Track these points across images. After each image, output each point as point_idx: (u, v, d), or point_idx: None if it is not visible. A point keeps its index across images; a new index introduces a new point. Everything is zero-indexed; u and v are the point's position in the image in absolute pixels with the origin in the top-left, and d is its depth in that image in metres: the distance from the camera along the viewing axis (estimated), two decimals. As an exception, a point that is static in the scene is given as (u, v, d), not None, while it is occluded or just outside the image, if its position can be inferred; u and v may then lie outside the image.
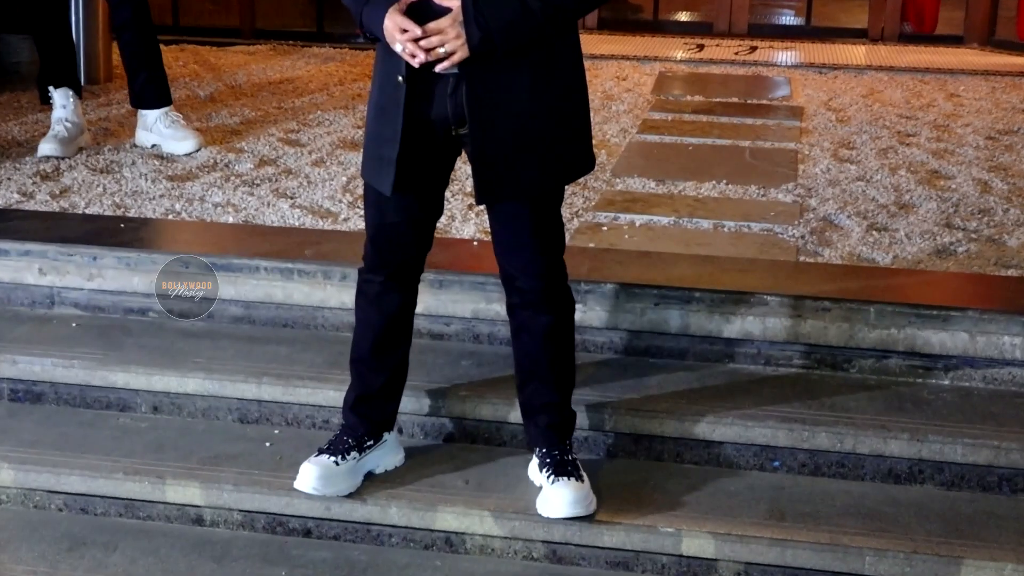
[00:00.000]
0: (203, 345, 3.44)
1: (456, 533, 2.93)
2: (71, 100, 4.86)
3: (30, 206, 4.15)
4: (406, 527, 2.94)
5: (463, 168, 3.86)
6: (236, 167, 4.68)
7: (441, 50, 2.53)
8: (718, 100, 6.14)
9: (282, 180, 4.52)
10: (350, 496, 2.93)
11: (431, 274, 3.32)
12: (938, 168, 4.85)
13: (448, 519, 2.91)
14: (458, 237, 3.89)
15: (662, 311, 3.34)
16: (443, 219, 3.84)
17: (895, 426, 3.04)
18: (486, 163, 2.64)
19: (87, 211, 4.11)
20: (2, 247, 3.67)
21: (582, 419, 3.06)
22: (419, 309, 3.06)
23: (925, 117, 5.78)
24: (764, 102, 6.15)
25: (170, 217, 4.09)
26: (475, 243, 3.80)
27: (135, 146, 4.91)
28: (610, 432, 3.12)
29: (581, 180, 4.18)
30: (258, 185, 4.45)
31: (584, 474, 2.88)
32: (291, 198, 4.30)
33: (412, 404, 3.14)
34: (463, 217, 4.08)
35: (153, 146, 4.89)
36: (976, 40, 7.98)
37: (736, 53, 7.53)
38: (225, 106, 5.68)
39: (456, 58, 2.54)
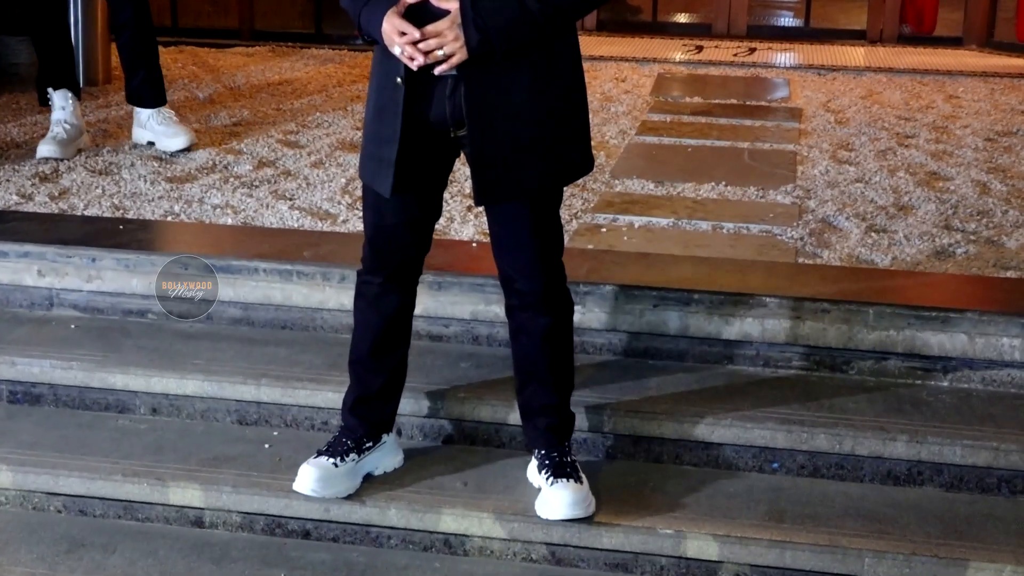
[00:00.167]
0: (202, 347, 3.44)
1: (455, 535, 2.92)
2: (70, 102, 4.87)
3: (29, 208, 4.15)
4: (405, 529, 2.94)
5: (462, 169, 3.86)
6: (235, 169, 4.68)
7: (440, 52, 2.53)
8: (717, 102, 6.14)
9: (281, 182, 4.52)
10: (349, 498, 2.93)
11: (430, 276, 3.32)
12: (937, 170, 4.85)
13: (447, 521, 2.91)
14: (457, 239, 3.89)
15: (661, 313, 3.34)
16: (442, 220, 3.84)
17: (894, 428, 3.04)
18: (485, 164, 2.64)
19: (86, 213, 4.11)
20: (1, 249, 3.66)
21: (581, 421, 3.06)
22: (418, 311, 3.07)
23: (924, 119, 5.78)
24: (763, 103, 6.15)
25: (169, 219, 4.09)
26: (474, 245, 3.80)
27: (135, 146, 4.91)
28: (609, 434, 3.12)
29: (580, 182, 4.18)
30: (257, 187, 4.45)
31: (583, 476, 2.88)
32: (290, 200, 4.30)
33: (411, 406, 3.14)
34: (462, 218, 4.08)
35: (149, 143, 4.91)
36: (975, 41, 7.98)
37: (735, 54, 7.53)
38: (224, 107, 5.68)
39: (455, 60, 2.54)
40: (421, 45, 2.53)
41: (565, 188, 2.91)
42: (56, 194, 4.30)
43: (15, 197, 4.26)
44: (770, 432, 3.06)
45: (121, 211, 4.14)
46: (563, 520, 2.82)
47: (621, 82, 6.59)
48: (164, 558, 2.93)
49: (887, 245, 3.94)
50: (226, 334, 3.52)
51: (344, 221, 4.06)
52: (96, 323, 3.61)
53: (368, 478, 2.97)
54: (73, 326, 3.59)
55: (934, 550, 2.76)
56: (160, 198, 4.28)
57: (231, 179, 4.54)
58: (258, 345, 3.45)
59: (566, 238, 3.11)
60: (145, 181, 4.48)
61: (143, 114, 4.93)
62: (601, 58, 7.23)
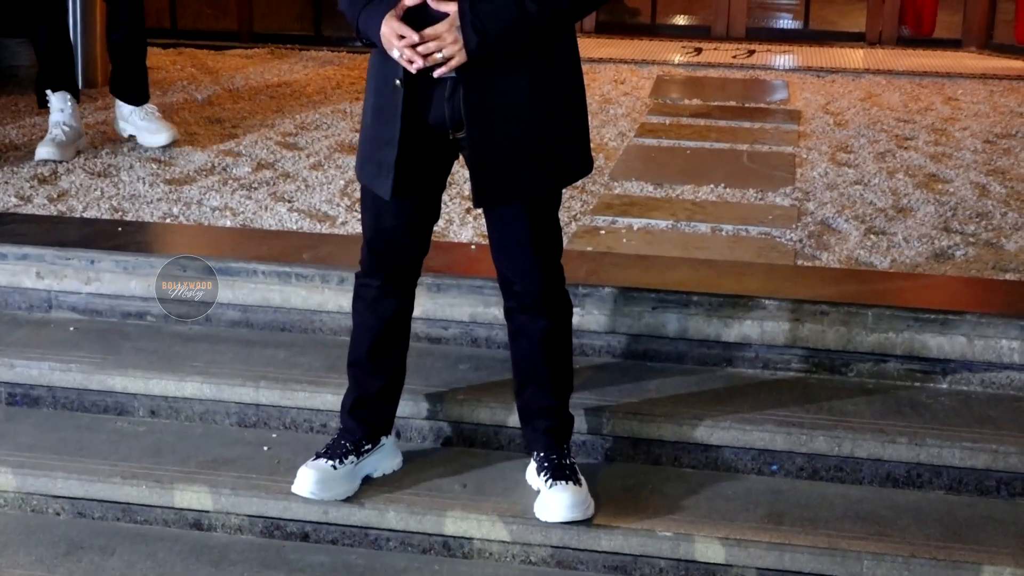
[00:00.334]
0: (201, 349, 3.44)
1: (454, 537, 2.92)
2: (69, 104, 4.87)
3: (28, 210, 4.15)
4: (404, 531, 2.94)
5: (461, 172, 3.86)
6: (234, 171, 4.68)
7: (439, 55, 2.53)
8: (716, 104, 6.14)
9: (280, 184, 4.52)
10: (348, 500, 2.92)
11: (429, 278, 3.32)
12: (936, 172, 4.85)
13: (446, 523, 2.91)
14: (456, 241, 3.89)
15: (660, 315, 3.34)
16: (441, 223, 3.84)
17: (893, 430, 3.04)
18: (484, 166, 2.64)
19: (85, 215, 4.10)
20: (0, 251, 3.66)
21: (580, 423, 3.06)
22: (417, 313, 3.06)
23: (923, 121, 5.78)
24: (762, 106, 6.15)
25: (168, 221, 4.09)
26: (473, 247, 3.80)
27: (133, 148, 4.91)
28: (608, 436, 3.12)
29: (579, 184, 4.19)
30: (256, 189, 4.45)
31: (582, 478, 2.88)
32: (289, 202, 4.30)
33: (410, 408, 3.14)
34: (461, 221, 4.08)
35: (130, 137, 4.95)
36: (974, 43, 7.98)
37: (734, 56, 7.53)
38: (223, 109, 5.68)
39: (454, 63, 2.54)
40: (420, 48, 2.53)
41: (564, 190, 2.91)
42: (55, 196, 4.30)
43: (14, 199, 4.26)
44: (769, 434, 3.06)
45: (120, 213, 4.14)
46: (562, 522, 2.82)
47: (620, 84, 6.59)
48: (163, 560, 2.93)
49: (886, 247, 3.94)
50: (225, 336, 3.52)
51: (343, 223, 4.06)
52: (95, 325, 3.61)
53: (367, 480, 2.97)
54: (72, 328, 3.59)
55: (933, 552, 2.76)
56: (159, 200, 4.28)
57: (230, 181, 4.54)
58: (257, 347, 3.45)
59: (565, 240, 3.11)
60: (144, 183, 4.48)
61: (125, 108, 4.98)
62: (600, 60, 7.23)
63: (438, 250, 3.23)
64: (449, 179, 2.88)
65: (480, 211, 2.85)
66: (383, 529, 2.95)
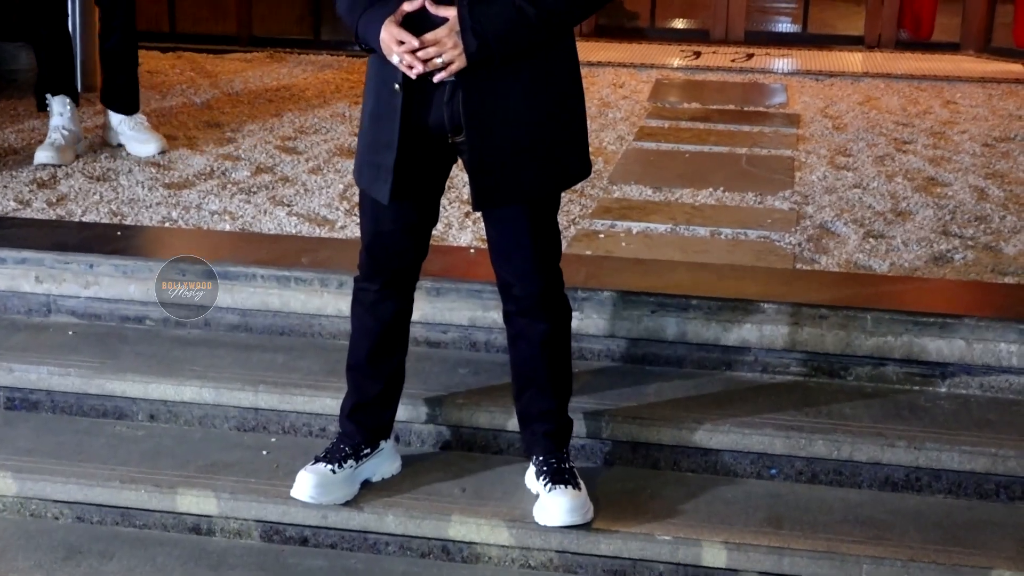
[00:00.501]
0: (200, 353, 3.44)
1: (453, 541, 2.92)
2: (68, 108, 4.87)
3: (27, 214, 4.15)
4: (403, 535, 2.94)
5: (459, 175, 3.86)
6: (233, 175, 4.68)
7: (438, 60, 2.53)
8: (715, 107, 6.15)
9: (279, 188, 4.52)
10: (347, 504, 2.92)
11: (427, 282, 3.32)
12: (935, 175, 4.85)
13: (445, 527, 2.91)
14: (454, 245, 3.89)
15: (659, 319, 3.34)
16: (439, 226, 3.84)
17: (892, 434, 3.04)
18: (483, 170, 2.64)
19: (84, 219, 4.10)
20: (-1, 255, 3.67)
21: (579, 427, 3.05)
22: (416, 317, 3.06)
23: (922, 124, 5.78)
24: (761, 109, 6.15)
25: (167, 225, 4.09)
26: (472, 251, 3.80)
27: (131, 153, 4.92)
28: (607, 440, 3.12)
29: (578, 187, 4.19)
30: (255, 193, 4.45)
31: (581, 482, 2.88)
32: (288, 206, 4.30)
33: (409, 412, 3.14)
34: (460, 225, 4.08)
35: (118, 145, 4.95)
36: (973, 47, 7.98)
37: (733, 60, 7.53)
38: (222, 113, 5.68)
39: (454, 68, 2.54)
40: (420, 53, 2.53)
41: (563, 194, 2.91)
42: (54, 200, 4.30)
43: (13, 203, 4.26)
44: (768, 438, 3.05)
45: (119, 217, 4.14)
46: (561, 526, 2.82)
47: (619, 88, 6.60)
48: (162, 565, 2.93)
49: (885, 251, 3.94)
50: (224, 340, 3.52)
51: (342, 227, 4.06)
52: (94, 329, 3.61)
53: (366, 484, 2.97)
54: (71, 332, 3.59)
55: (932, 556, 2.76)
56: (158, 204, 4.28)
57: (229, 185, 4.54)
58: (256, 351, 3.45)
59: (564, 244, 3.11)
60: (143, 187, 4.48)
61: (115, 118, 4.98)
62: (599, 64, 7.24)
63: (437, 254, 3.23)
64: (448, 183, 2.88)
65: (479, 215, 2.85)
66: (382, 533, 2.95)
